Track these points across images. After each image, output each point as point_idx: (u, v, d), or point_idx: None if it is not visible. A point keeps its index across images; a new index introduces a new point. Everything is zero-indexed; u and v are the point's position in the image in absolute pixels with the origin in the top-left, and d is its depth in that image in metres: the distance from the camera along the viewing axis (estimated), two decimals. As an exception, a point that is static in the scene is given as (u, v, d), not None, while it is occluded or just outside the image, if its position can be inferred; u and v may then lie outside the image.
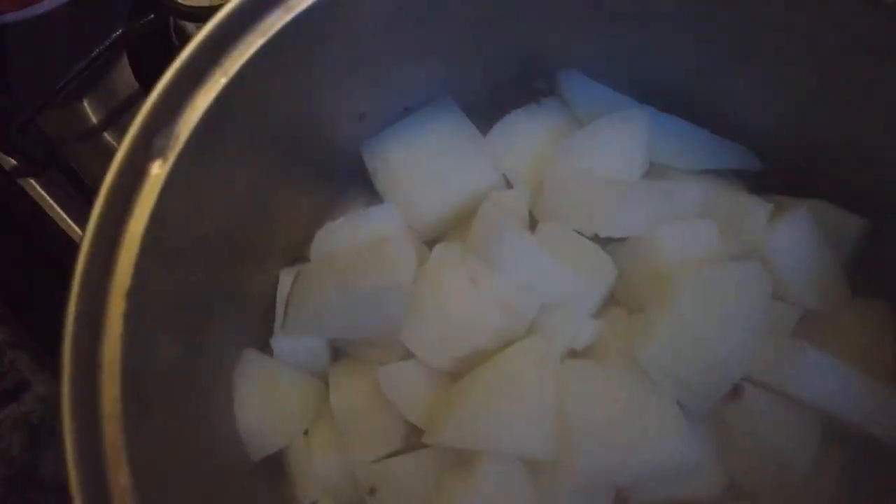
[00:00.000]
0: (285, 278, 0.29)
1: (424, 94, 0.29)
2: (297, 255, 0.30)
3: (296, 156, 0.27)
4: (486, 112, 0.30)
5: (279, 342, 0.28)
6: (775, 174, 0.29)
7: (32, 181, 0.36)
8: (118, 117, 0.40)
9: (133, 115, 0.20)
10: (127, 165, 0.19)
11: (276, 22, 0.22)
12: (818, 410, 0.25)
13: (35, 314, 0.34)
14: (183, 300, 0.23)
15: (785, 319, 0.26)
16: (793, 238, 0.26)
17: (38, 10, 0.36)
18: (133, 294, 0.19)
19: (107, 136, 0.40)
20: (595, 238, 0.27)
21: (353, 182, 0.30)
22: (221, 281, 0.26)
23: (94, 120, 0.40)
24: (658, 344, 0.26)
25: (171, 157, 0.20)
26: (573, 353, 0.27)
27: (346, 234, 0.28)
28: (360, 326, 0.27)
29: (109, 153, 0.35)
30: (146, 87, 0.38)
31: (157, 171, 0.20)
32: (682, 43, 0.27)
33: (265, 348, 0.28)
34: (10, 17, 0.36)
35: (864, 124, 0.25)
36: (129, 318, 0.18)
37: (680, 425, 0.25)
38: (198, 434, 0.23)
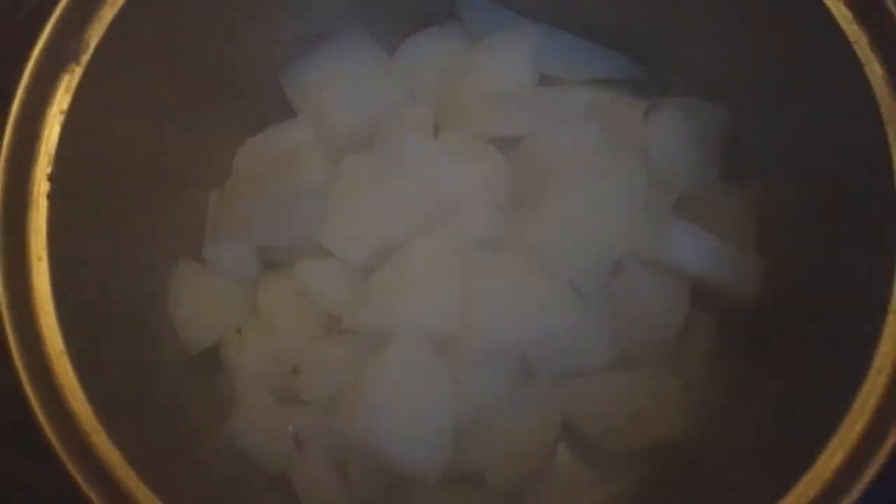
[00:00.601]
0: (215, 199, 0.32)
1: (335, 22, 0.32)
2: (225, 176, 0.32)
3: (216, 79, 0.30)
4: (392, 36, 0.33)
5: (209, 251, 0.30)
6: (655, 81, 0.32)
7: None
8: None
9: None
10: (42, 66, 0.22)
11: None
12: (688, 278, 0.28)
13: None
14: (111, 205, 0.25)
15: (661, 203, 0.29)
16: (666, 131, 0.30)
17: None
18: (55, 179, 0.21)
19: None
20: (492, 141, 0.30)
21: (277, 109, 0.33)
22: (151, 196, 0.28)
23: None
24: (550, 231, 0.29)
25: (84, 61, 0.22)
26: (480, 244, 0.29)
27: (265, 149, 0.31)
28: (280, 231, 0.30)
29: None
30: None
31: (70, 73, 0.22)
32: None
33: (198, 259, 0.31)
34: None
35: (718, 33, 0.28)
36: (53, 199, 0.21)
37: (571, 300, 0.28)
38: (131, 326, 0.26)
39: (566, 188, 0.29)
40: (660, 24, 0.31)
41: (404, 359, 0.28)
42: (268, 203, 0.29)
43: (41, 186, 0.21)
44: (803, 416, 0.23)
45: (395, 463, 0.27)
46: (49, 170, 0.21)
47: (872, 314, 0.20)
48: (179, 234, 0.30)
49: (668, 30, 0.30)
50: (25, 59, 0.35)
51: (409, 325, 0.28)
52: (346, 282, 0.29)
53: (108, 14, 0.23)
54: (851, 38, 0.22)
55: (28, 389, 0.19)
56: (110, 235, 0.24)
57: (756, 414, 0.27)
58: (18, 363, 0.19)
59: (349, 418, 0.27)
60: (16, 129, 0.21)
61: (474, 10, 0.32)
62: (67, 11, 0.22)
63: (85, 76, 0.22)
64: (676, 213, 0.29)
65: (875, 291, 0.21)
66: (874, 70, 0.21)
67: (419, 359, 0.28)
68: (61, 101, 0.22)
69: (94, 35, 0.23)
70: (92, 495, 0.19)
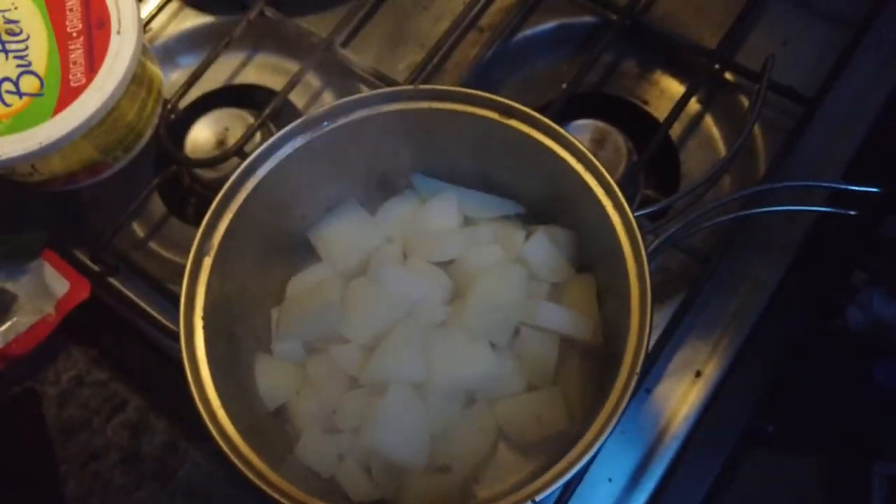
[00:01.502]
0: (275, 314, 0.51)
1: (337, 199, 0.51)
2: (282, 299, 0.52)
3: (274, 243, 0.49)
4: (373, 203, 0.51)
5: (276, 347, 0.48)
6: (531, 215, 0.51)
7: (113, 280, 0.58)
8: (157, 231, 0.62)
9: (192, 234, 0.43)
10: (195, 258, 0.42)
11: (250, 184, 0.44)
12: (556, 333, 0.47)
13: (126, 360, 0.56)
14: (225, 323, 0.45)
15: (539, 290, 0.47)
16: (538, 247, 0.47)
17: (103, 176, 0.59)
18: (204, 317, 0.41)
19: (151, 244, 0.61)
20: (437, 263, 0.49)
21: (309, 253, 0.52)
22: (244, 315, 0.48)
23: (140, 235, 0.62)
24: (474, 313, 0.46)
25: (212, 253, 0.42)
26: (435, 325, 0.47)
27: (305, 281, 0.50)
28: (316, 330, 0.48)
29: (156, 255, 0.58)
30: (172, 210, 0.61)
31: (208, 260, 0.42)
32: (470, 162, 0.50)
33: (269, 352, 0.50)
34: (84, 182, 0.59)
35: (547, 191, 0.48)
36: (204, 327, 0.40)
37: (491, 354, 0.45)
38: (238, 391, 0.45)
39: (480, 286, 0.46)
40: (525, 185, 0.50)
41: (396, 399, 0.43)
42: (306, 314, 0.48)
43: (199, 322, 0.41)
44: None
45: (396, 460, 0.43)
46: (202, 314, 0.41)
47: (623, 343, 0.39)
48: (260, 334, 0.49)
49: (531, 189, 0.50)
50: (122, 228, 0.55)
51: (398, 379, 0.44)
52: (359, 356, 0.46)
53: (221, 229, 0.43)
54: (603, 201, 0.42)
55: (213, 432, 0.38)
56: (226, 341, 0.44)
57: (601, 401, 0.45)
58: (208, 422, 0.38)
59: (368, 437, 0.43)
60: (186, 294, 0.41)
61: (422, 184, 0.50)
62: (204, 231, 0.43)
63: (214, 261, 0.43)
64: (550, 297, 0.49)
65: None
66: (614, 217, 0.41)
67: (405, 398, 0.44)
68: (203, 276, 0.42)
69: (216, 240, 0.43)
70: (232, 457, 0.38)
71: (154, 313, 0.54)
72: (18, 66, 0.53)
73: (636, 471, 0.50)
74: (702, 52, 0.58)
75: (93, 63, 0.53)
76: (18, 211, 0.58)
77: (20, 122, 0.51)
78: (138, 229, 0.62)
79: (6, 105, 0.52)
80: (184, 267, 0.57)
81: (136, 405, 0.54)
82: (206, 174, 0.60)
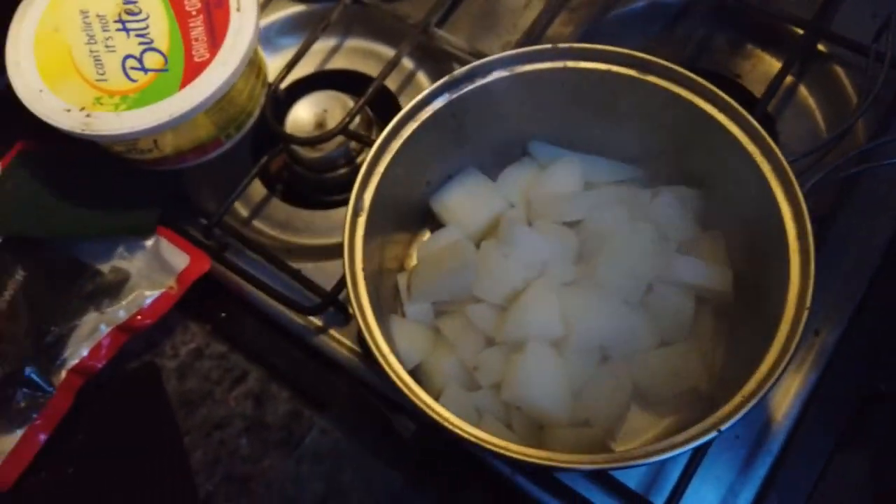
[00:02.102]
0: (402, 279, 0.52)
1: (458, 167, 0.53)
2: (403, 266, 0.53)
3: (403, 209, 0.51)
4: (493, 170, 0.52)
5: (408, 308, 0.49)
6: (654, 177, 0.52)
7: (227, 254, 0.59)
8: (259, 211, 0.63)
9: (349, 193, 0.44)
10: (353, 212, 0.43)
11: (394, 145, 0.46)
12: (690, 287, 0.47)
13: (243, 334, 0.56)
14: (373, 282, 0.45)
15: (668, 248, 0.48)
16: (664, 206, 0.48)
17: (210, 156, 0.60)
18: (365, 274, 0.42)
19: (255, 223, 0.62)
20: (564, 223, 0.50)
21: (430, 219, 0.54)
22: (380, 278, 0.49)
23: (244, 214, 0.63)
24: (605, 271, 0.47)
25: (364, 212, 0.43)
26: (566, 284, 0.48)
27: (434, 244, 0.51)
28: (450, 291, 0.48)
29: (263, 233, 0.59)
30: (271, 190, 0.62)
31: (362, 218, 0.43)
32: (591, 126, 0.51)
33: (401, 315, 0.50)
34: (192, 162, 0.60)
35: (676, 149, 0.49)
36: (366, 283, 0.41)
37: (625, 310, 0.46)
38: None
39: (612, 245, 0.47)
40: (647, 150, 0.51)
41: (536, 355, 0.44)
42: (439, 275, 0.49)
43: (360, 273, 0.42)
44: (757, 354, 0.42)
45: (539, 415, 0.45)
46: (361, 265, 0.42)
47: (782, 295, 0.40)
48: (393, 298, 0.50)
49: (651, 153, 0.51)
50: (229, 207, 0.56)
51: (534, 335, 0.45)
52: (494, 315, 0.47)
53: (371, 188, 0.44)
54: (749, 148, 0.43)
55: (388, 371, 0.39)
56: (374, 300, 0.45)
57: (738, 358, 0.46)
58: (382, 362, 0.39)
59: (511, 392, 0.44)
60: (348, 248, 0.42)
61: (540, 150, 0.52)
62: (358, 188, 0.44)
63: (367, 219, 0.44)
64: (678, 252, 0.50)
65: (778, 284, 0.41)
66: (763, 164, 0.42)
67: (544, 354, 0.44)
68: (360, 230, 0.43)
69: (367, 201, 0.44)
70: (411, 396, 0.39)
71: (275, 286, 0.55)
72: (141, 43, 0.54)
73: (761, 430, 0.50)
74: (798, 23, 0.59)
75: (214, 39, 0.54)
76: (130, 191, 0.59)
77: (147, 97, 0.52)
78: (241, 209, 0.63)
79: (132, 80, 0.53)
80: (292, 244, 0.58)
81: (256, 376, 0.54)
82: (308, 154, 0.61)
